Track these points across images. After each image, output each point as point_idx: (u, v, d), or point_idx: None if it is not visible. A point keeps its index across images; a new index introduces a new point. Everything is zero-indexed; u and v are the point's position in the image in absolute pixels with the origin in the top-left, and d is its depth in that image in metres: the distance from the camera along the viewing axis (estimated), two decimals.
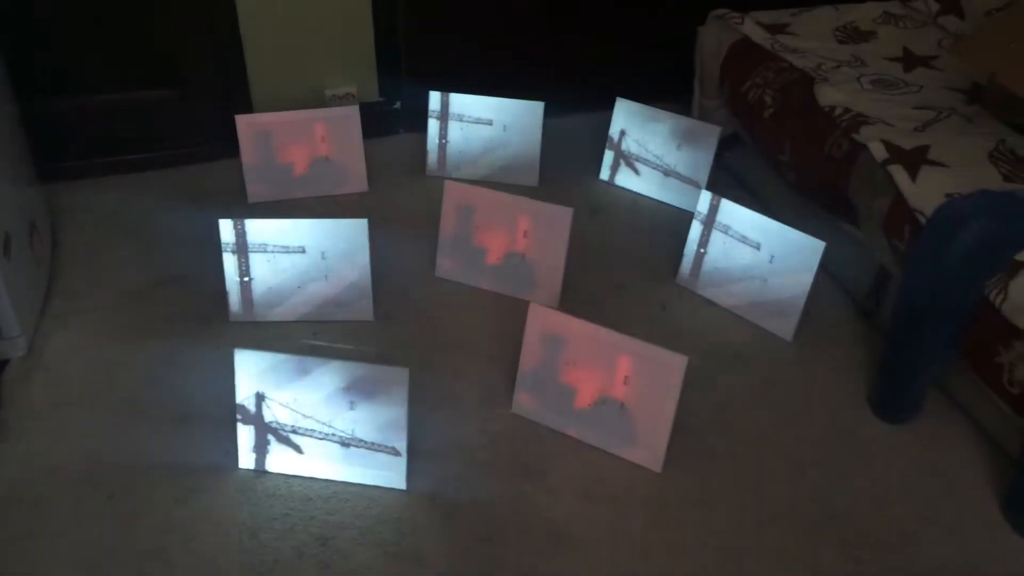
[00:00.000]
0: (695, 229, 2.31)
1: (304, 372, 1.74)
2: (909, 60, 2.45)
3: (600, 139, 2.80)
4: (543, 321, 1.89)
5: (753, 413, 1.99)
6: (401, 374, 1.71)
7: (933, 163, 1.95)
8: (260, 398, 1.77)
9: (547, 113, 2.67)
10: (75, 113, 2.74)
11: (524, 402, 1.95)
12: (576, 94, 2.95)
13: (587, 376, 1.86)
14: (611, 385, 1.84)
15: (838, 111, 2.18)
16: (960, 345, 1.83)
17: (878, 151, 2.01)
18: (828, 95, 2.24)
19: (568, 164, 2.83)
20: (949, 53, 2.31)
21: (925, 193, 1.88)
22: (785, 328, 2.18)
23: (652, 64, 3.04)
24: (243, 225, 2.12)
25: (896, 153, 1.99)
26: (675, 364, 1.77)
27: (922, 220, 1.86)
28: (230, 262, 2.14)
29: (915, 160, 1.96)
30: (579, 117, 3.01)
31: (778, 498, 1.80)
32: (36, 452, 1.86)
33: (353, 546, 1.68)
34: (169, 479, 1.80)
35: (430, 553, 1.67)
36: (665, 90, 2.93)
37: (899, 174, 1.94)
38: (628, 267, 2.44)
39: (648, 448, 1.83)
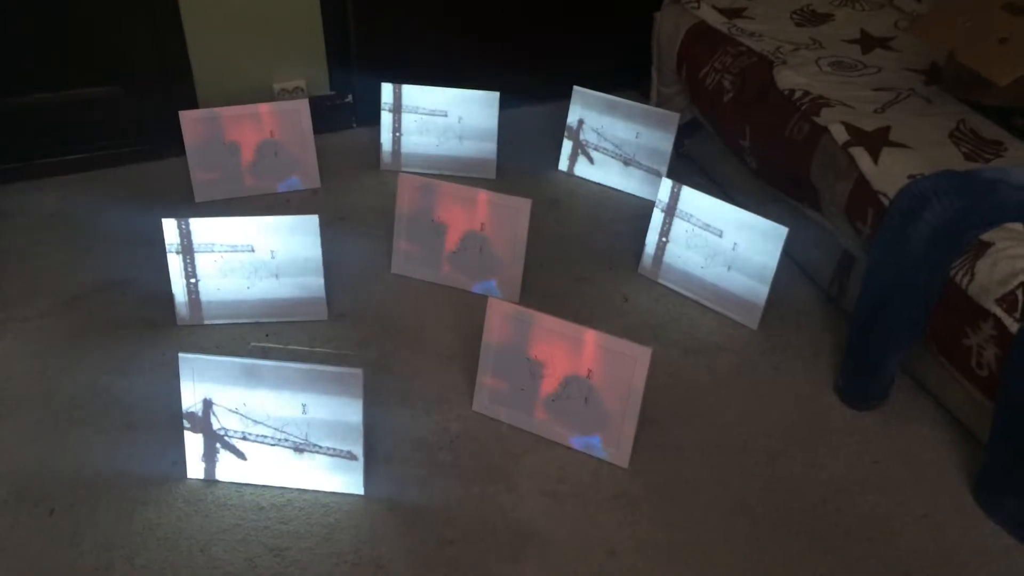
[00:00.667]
0: (656, 218, 2.26)
1: (254, 376, 1.66)
2: (867, 42, 2.42)
3: (558, 129, 2.74)
4: (503, 316, 1.82)
5: (720, 404, 1.95)
6: (355, 375, 1.64)
7: (894, 144, 1.92)
8: (208, 404, 1.69)
9: (503, 104, 2.60)
10: (11, 112, 2.62)
11: (485, 400, 1.88)
12: (532, 83, 2.90)
13: (550, 371, 1.80)
14: (575, 379, 1.78)
15: (798, 94, 2.14)
16: (927, 328, 1.80)
17: (839, 133, 1.97)
18: (787, 78, 2.20)
19: (526, 155, 2.77)
20: (908, 32, 2.28)
21: (887, 175, 1.85)
22: (750, 316, 2.14)
23: (608, 52, 2.99)
24: (188, 224, 2.03)
25: (857, 135, 1.96)
26: (639, 356, 1.72)
27: (885, 202, 1.83)
28: (175, 263, 2.06)
29: (877, 142, 1.92)
30: (535, 107, 2.97)
31: (747, 489, 1.75)
32: None
33: (309, 556, 1.60)
34: (113, 491, 1.71)
35: (390, 560, 1.60)
36: (622, 78, 2.89)
37: (861, 157, 1.91)
38: (589, 259, 2.38)
39: (614, 444, 1.78)
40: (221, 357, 1.67)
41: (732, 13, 2.57)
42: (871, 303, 1.86)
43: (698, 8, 2.57)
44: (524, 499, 1.72)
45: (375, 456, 1.75)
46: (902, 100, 2.10)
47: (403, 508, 1.70)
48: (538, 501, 1.72)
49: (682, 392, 1.97)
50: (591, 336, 1.75)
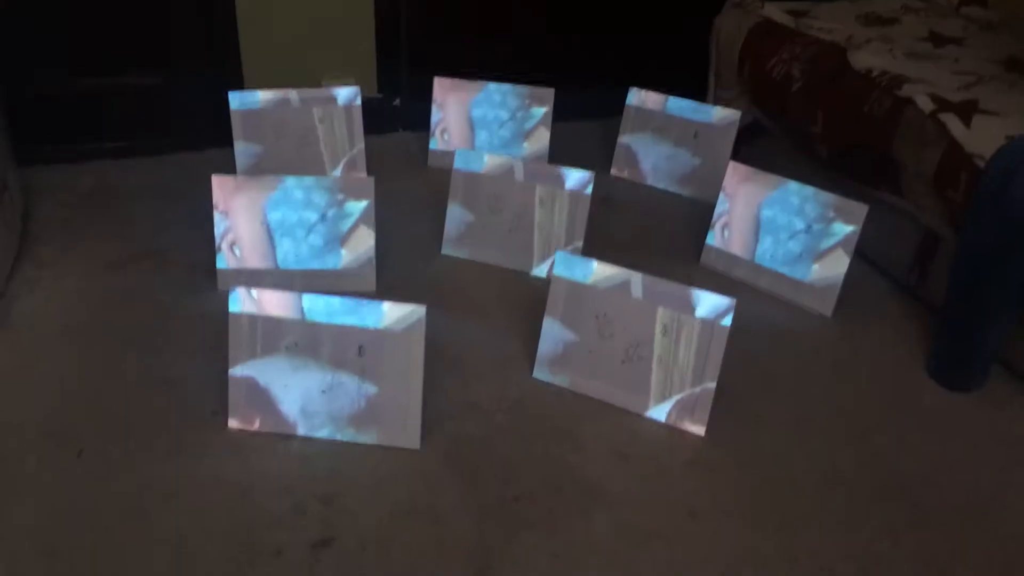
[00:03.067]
0: (720, 205, 2.16)
1: (305, 312, 1.54)
2: (938, 39, 2.36)
3: (610, 136, 2.66)
4: (569, 269, 1.71)
5: (801, 382, 1.81)
6: (417, 312, 1.52)
7: (986, 112, 1.82)
8: (255, 348, 1.56)
9: (557, 115, 2.54)
10: (54, 96, 2.57)
11: (547, 366, 1.75)
12: (586, 90, 2.83)
13: (619, 331, 1.67)
14: (647, 339, 1.65)
15: (876, 72, 2.07)
16: None
17: (925, 103, 1.89)
18: (863, 59, 2.13)
19: (578, 158, 2.67)
20: (993, 9, 2.21)
21: (981, 137, 1.76)
22: (825, 303, 2.01)
23: (664, 56, 2.94)
24: (234, 183, 1.94)
25: (944, 104, 1.87)
26: (721, 307, 1.59)
27: (981, 164, 1.72)
28: (220, 224, 1.96)
29: (967, 110, 1.83)
30: (588, 116, 2.90)
31: (838, 461, 1.60)
32: None
33: (360, 504, 1.46)
34: (148, 437, 1.58)
35: (449, 512, 1.45)
36: (678, 84, 2.82)
37: (951, 121, 1.82)
38: (648, 251, 2.26)
39: (688, 409, 1.64)
40: (272, 290, 1.56)
41: (797, 14, 2.52)
42: (967, 274, 1.74)
43: (762, 8, 2.53)
44: (592, 459, 1.58)
45: (430, 414, 1.61)
46: (985, 82, 2.02)
47: (461, 464, 1.55)
48: (608, 461, 1.58)
49: (759, 371, 1.83)
50: (667, 288, 1.63)
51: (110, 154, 2.62)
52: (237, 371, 1.57)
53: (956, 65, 2.14)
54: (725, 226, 2.15)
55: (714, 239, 2.18)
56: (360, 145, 2.47)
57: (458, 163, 2.15)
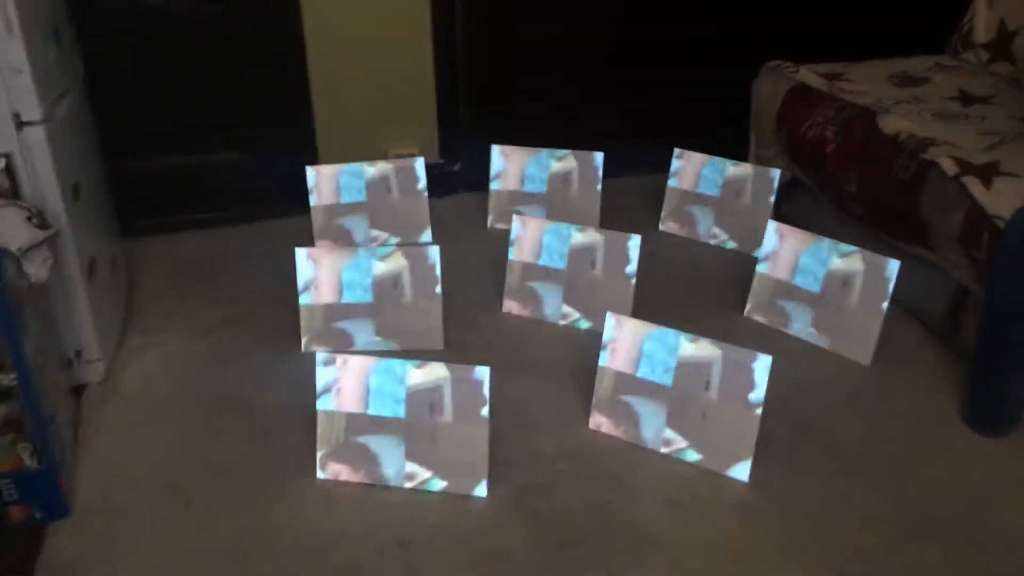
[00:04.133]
0: (763, 259, 2.31)
1: (384, 373, 1.74)
2: (967, 99, 2.49)
3: (657, 195, 2.84)
4: (621, 328, 1.88)
5: (837, 428, 1.95)
6: (483, 373, 1.71)
7: (1006, 174, 1.95)
8: (338, 404, 1.76)
9: (606, 174, 2.72)
10: (149, 174, 2.84)
11: (602, 417, 1.92)
12: (633, 148, 3.00)
13: (668, 381, 1.84)
14: (694, 393, 1.81)
15: (903, 136, 2.21)
16: None
17: (949, 166, 2.02)
18: (892, 123, 2.27)
19: (626, 215, 2.85)
20: (1020, 70, 2.33)
21: (1001, 199, 1.89)
22: (863, 352, 2.15)
23: (707, 118, 3.10)
24: (315, 255, 2.16)
25: (967, 167, 2.00)
26: (759, 364, 1.75)
27: (1001, 225, 1.85)
28: (304, 290, 2.17)
29: (988, 172, 1.97)
30: (637, 177, 3.07)
31: (874, 504, 1.73)
32: (114, 465, 1.86)
33: (436, 546, 1.64)
34: (248, 488, 1.78)
35: (517, 553, 1.62)
36: (720, 145, 2.98)
37: (973, 184, 1.95)
38: (693, 304, 2.43)
39: (733, 457, 1.79)
40: (353, 354, 1.76)
41: (831, 76, 2.68)
42: (994, 327, 1.86)
43: (797, 72, 2.69)
44: (644, 506, 1.73)
45: (496, 463, 1.79)
46: (1009, 142, 2.15)
47: (525, 510, 1.72)
48: (659, 508, 1.73)
49: (796, 417, 1.97)
50: (710, 346, 1.79)
51: (202, 224, 2.88)
52: (324, 426, 1.77)
53: (982, 125, 2.28)
54: (766, 279, 2.30)
55: (756, 291, 2.33)
56: (425, 210, 2.68)
57: (516, 226, 2.34)
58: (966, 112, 2.38)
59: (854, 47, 2.91)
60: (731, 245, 2.70)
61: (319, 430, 1.78)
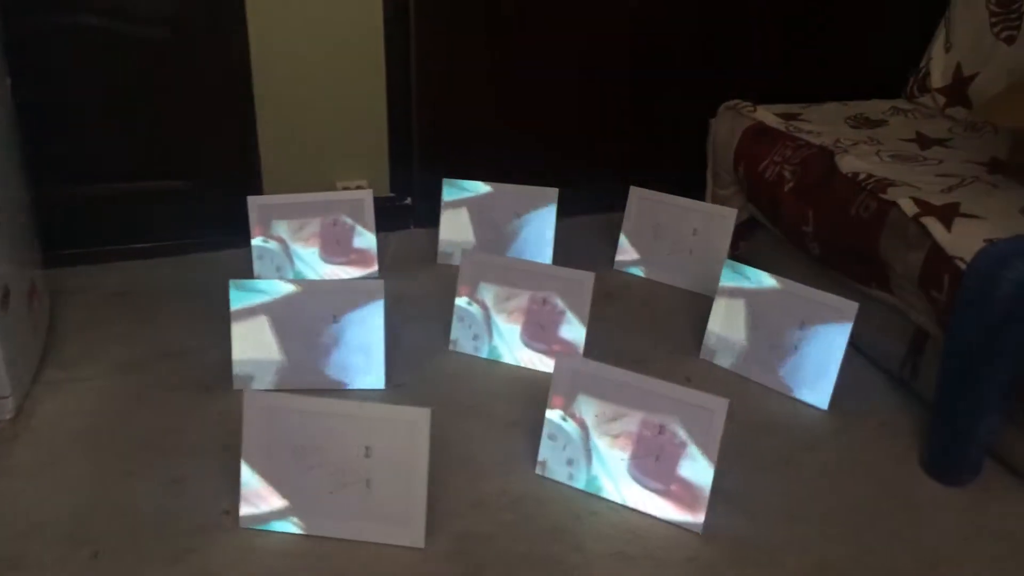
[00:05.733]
0: (719, 299, 2.23)
1: (315, 415, 1.62)
2: (924, 141, 2.46)
3: (613, 233, 2.77)
4: (571, 371, 1.78)
5: (794, 477, 1.86)
6: (423, 415, 1.59)
7: (966, 215, 1.90)
8: (267, 447, 1.63)
9: (561, 210, 2.65)
10: (82, 200, 2.70)
11: (549, 462, 1.81)
12: (589, 187, 2.94)
13: (620, 426, 1.73)
14: (647, 436, 1.71)
15: (862, 176, 2.16)
16: (1015, 396, 1.73)
17: (908, 206, 1.97)
18: (850, 163, 2.22)
19: (581, 252, 2.77)
20: (975, 114, 2.32)
21: (962, 240, 1.83)
22: (820, 396, 2.07)
23: (663, 157, 3.06)
24: (251, 286, 2.04)
25: (927, 207, 1.95)
26: (716, 408, 1.66)
27: (962, 266, 1.80)
28: (236, 326, 2.04)
29: (948, 212, 1.92)
30: (592, 211, 3.01)
31: (833, 558, 1.64)
32: (16, 511, 1.70)
33: None
34: (160, 539, 1.64)
35: None
36: (675, 183, 2.93)
37: (933, 225, 1.89)
38: (648, 345, 2.34)
39: (686, 506, 1.68)
40: (283, 393, 1.64)
41: (788, 116, 2.64)
42: (955, 371, 1.79)
43: (754, 111, 2.64)
44: (592, 560, 1.62)
45: (434, 512, 1.67)
46: (967, 184, 2.11)
47: (464, 562, 1.60)
48: (607, 562, 1.62)
49: (753, 465, 1.88)
50: (663, 388, 1.70)
51: (136, 255, 2.73)
52: (248, 470, 1.64)
53: (940, 167, 2.24)
54: (722, 320, 2.22)
55: (712, 333, 2.25)
56: (373, 244, 2.58)
57: (464, 262, 2.24)
58: (923, 154, 2.35)
59: (809, 91, 2.89)
60: (687, 285, 2.63)
61: (243, 475, 1.64)
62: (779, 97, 2.79)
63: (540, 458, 1.82)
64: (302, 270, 2.56)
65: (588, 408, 1.76)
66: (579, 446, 1.77)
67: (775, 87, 2.86)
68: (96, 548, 1.61)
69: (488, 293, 2.23)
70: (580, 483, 1.78)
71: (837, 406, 2.06)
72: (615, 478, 1.74)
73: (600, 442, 1.75)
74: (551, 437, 1.80)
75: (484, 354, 2.24)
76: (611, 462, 1.74)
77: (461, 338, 2.26)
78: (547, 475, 1.81)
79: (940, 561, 1.64)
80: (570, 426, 1.77)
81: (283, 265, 2.56)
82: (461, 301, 2.25)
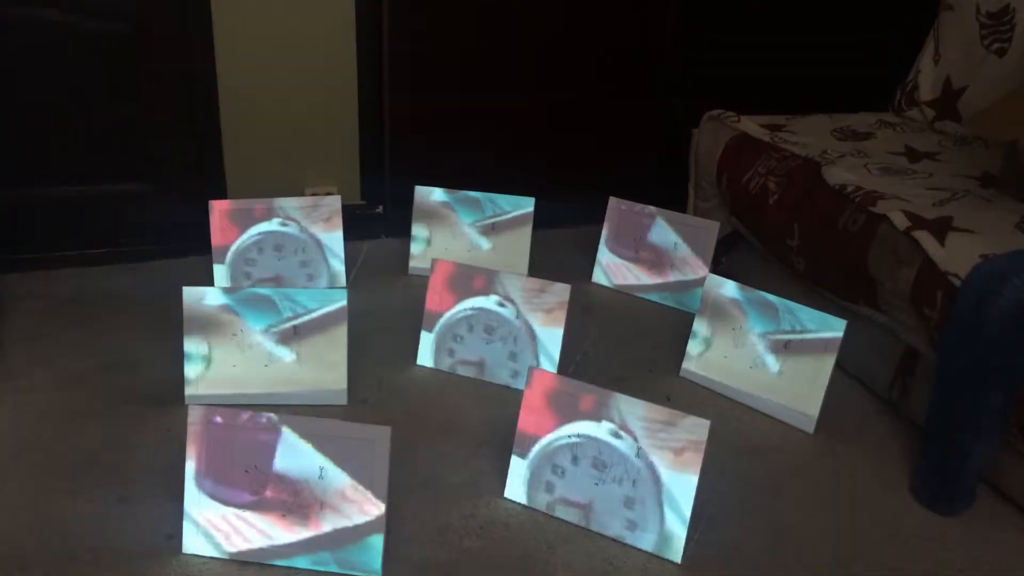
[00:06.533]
0: (700, 317, 2.13)
1: (266, 430, 1.50)
2: (913, 154, 2.38)
3: (591, 244, 2.67)
4: (545, 387, 1.67)
5: (779, 505, 1.75)
6: (382, 433, 1.48)
7: (959, 230, 1.82)
8: (214, 466, 1.51)
9: (537, 222, 2.55)
10: (36, 202, 2.58)
11: (519, 485, 1.69)
12: (566, 198, 2.84)
13: (594, 451, 1.63)
14: (623, 460, 1.60)
15: (850, 188, 2.08)
16: (1011, 418, 1.64)
17: (899, 220, 1.89)
18: (837, 175, 2.14)
19: (559, 266, 2.67)
20: (967, 125, 2.24)
21: (956, 256, 1.75)
22: (806, 419, 1.97)
23: (643, 168, 2.97)
24: (207, 295, 1.92)
25: (919, 221, 1.87)
26: (696, 429, 1.55)
27: (956, 283, 1.71)
28: (190, 337, 1.92)
29: (941, 227, 1.83)
30: (570, 226, 2.91)
31: None
32: None
33: None
34: (100, 565, 1.51)
35: None
36: (657, 195, 2.84)
37: (926, 240, 1.81)
38: (628, 363, 2.24)
39: (665, 535, 1.58)
40: (232, 407, 1.52)
41: (773, 127, 2.56)
42: (947, 393, 1.70)
43: (738, 122, 2.56)
44: None
45: (394, 540, 1.55)
46: (960, 198, 2.03)
47: None
48: None
49: (736, 492, 1.77)
50: (642, 409, 1.59)
51: (90, 261, 2.61)
52: (193, 491, 1.52)
53: (931, 180, 2.16)
54: (704, 337, 2.12)
55: (694, 350, 2.15)
56: (340, 252, 2.46)
57: (434, 271, 2.14)
58: (913, 168, 2.27)
59: (794, 102, 2.81)
60: (667, 300, 2.53)
61: (186, 497, 1.52)
62: (763, 108, 2.71)
63: (510, 480, 1.71)
64: (262, 281, 2.45)
65: (560, 425, 1.65)
66: (551, 467, 1.66)
67: (759, 97, 2.78)
68: (29, 573, 1.48)
69: (458, 306, 2.11)
70: (550, 508, 1.66)
71: (823, 429, 1.96)
72: (590, 503, 1.63)
73: (573, 464, 1.64)
74: (522, 454, 1.69)
75: (453, 369, 2.13)
76: (584, 485, 1.63)
77: (428, 352, 2.15)
78: (516, 499, 1.70)
79: None
80: (542, 445, 1.66)
81: (242, 273, 2.44)
82: (430, 313, 2.14)
